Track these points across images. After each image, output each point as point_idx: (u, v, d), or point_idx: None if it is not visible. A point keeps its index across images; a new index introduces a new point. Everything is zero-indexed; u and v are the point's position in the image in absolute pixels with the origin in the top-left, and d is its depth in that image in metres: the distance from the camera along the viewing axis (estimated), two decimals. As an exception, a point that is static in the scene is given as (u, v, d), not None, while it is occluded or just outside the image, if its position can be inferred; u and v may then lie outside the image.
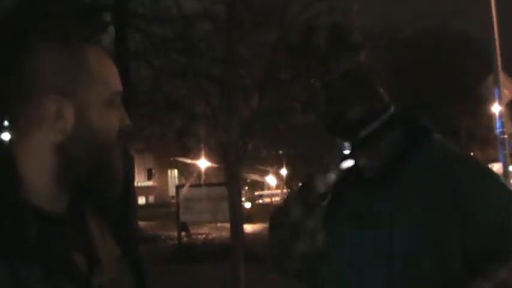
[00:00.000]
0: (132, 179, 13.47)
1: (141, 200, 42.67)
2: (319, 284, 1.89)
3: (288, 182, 40.99)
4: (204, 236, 18.04)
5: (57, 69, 1.08)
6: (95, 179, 1.11)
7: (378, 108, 1.79)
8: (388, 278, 1.74)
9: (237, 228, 8.44)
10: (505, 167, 13.78)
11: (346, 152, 1.77)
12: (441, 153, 1.85)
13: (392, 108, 1.83)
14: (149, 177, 49.11)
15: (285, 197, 2.20)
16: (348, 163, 1.77)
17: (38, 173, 1.08)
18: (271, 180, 45.89)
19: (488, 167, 1.97)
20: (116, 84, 1.14)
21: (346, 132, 1.78)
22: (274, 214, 1.99)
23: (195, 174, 29.67)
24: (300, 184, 1.90)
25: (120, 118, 1.14)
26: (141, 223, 20.93)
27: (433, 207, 1.74)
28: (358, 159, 1.78)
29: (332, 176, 1.75)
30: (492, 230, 1.72)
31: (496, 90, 13.60)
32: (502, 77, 13.52)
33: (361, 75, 1.86)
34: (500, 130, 13.82)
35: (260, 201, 46.15)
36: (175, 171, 46.98)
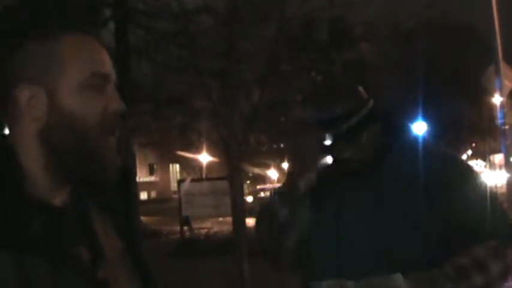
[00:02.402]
0: (134, 173, 13.48)
1: (143, 196, 42.68)
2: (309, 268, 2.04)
3: (289, 175, 40.88)
4: (206, 230, 18.05)
5: (28, 58, 1.08)
6: (83, 166, 1.09)
7: (356, 105, 1.94)
8: (377, 258, 1.89)
9: (239, 222, 8.45)
10: (507, 158, 13.79)
11: (328, 143, 1.91)
12: (419, 147, 2.01)
13: (370, 104, 1.97)
14: (151, 173, 49.12)
15: (270, 196, 2.30)
16: (329, 159, 1.94)
17: (33, 165, 1.08)
18: (273, 173, 45.88)
19: (464, 162, 2.15)
20: (95, 66, 1.11)
21: (328, 126, 1.92)
22: (261, 214, 2.14)
23: (196, 169, 29.67)
24: (283, 184, 2.06)
25: (104, 101, 1.10)
26: (143, 218, 20.95)
27: (412, 198, 1.90)
28: (343, 151, 1.94)
29: (313, 176, 1.93)
30: (469, 220, 1.89)
31: (497, 81, 13.58)
32: (503, 67, 13.49)
33: (338, 80, 2.10)
34: (502, 121, 13.80)
35: (262, 194, 46.11)
36: (177, 166, 47.07)
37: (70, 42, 1.10)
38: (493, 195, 1.98)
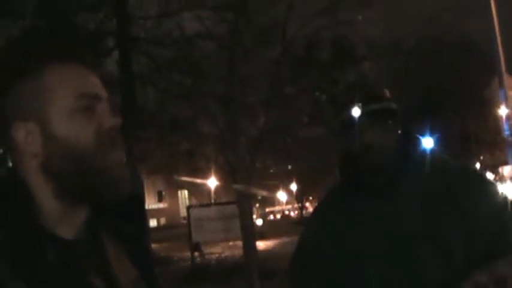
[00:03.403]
0: (144, 201, 13.43)
1: (153, 223, 42.61)
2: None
3: (298, 196, 40.86)
4: (217, 255, 17.98)
5: (20, 96, 1.10)
6: (88, 186, 1.10)
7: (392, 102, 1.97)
8: (398, 278, 1.85)
9: (249, 246, 8.42)
10: (516, 170, 13.71)
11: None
12: (436, 160, 1.99)
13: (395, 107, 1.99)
14: (159, 199, 49.05)
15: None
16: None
17: (43, 197, 1.10)
18: (281, 195, 45.77)
19: (481, 174, 2.13)
20: (81, 88, 1.13)
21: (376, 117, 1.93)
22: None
23: (205, 194, 29.65)
24: None
25: (97, 120, 1.12)
26: (153, 245, 20.88)
27: (433, 212, 1.86)
28: (378, 135, 1.92)
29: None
30: (491, 235, 1.84)
31: (501, 93, 13.58)
32: (507, 79, 13.50)
33: (364, 87, 2.01)
34: (508, 132, 13.78)
35: (271, 217, 45.99)
36: (186, 192, 46.98)
37: (54, 73, 1.12)
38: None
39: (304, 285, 2.11)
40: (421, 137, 2.06)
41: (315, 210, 2.32)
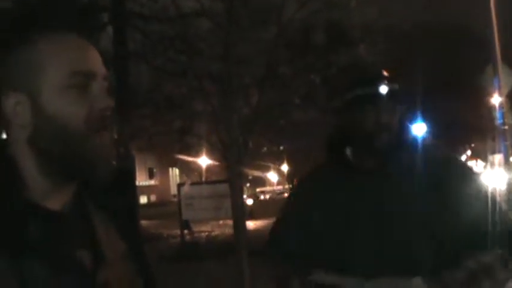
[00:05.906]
0: (134, 176, 13.43)
1: (143, 199, 42.67)
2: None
3: (289, 177, 40.95)
4: (206, 233, 18.04)
5: (13, 66, 1.08)
6: (73, 167, 1.08)
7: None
8: (386, 253, 1.86)
9: (239, 225, 8.44)
10: (506, 158, 13.77)
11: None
12: (425, 146, 2.01)
13: None
14: (150, 177, 49.10)
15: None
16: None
17: (29, 170, 1.09)
18: (272, 176, 45.83)
19: (466, 165, 2.15)
20: (76, 64, 1.09)
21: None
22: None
23: (196, 172, 29.67)
24: None
25: (89, 100, 1.09)
26: (143, 222, 20.91)
27: (421, 196, 1.88)
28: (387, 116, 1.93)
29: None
30: (474, 224, 1.86)
31: (495, 81, 13.55)
32: (501, 67, 13.47)
33: (358, 70, 2.03)
34: (501, 121, 13.78)
35: (262, 197, 46.09)
36: (177, 169, 47.01)
37: (48, 44, 1.10)
38: (495, 199, 1.96)
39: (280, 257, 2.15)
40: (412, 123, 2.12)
41: (299, 182, 2.34)
